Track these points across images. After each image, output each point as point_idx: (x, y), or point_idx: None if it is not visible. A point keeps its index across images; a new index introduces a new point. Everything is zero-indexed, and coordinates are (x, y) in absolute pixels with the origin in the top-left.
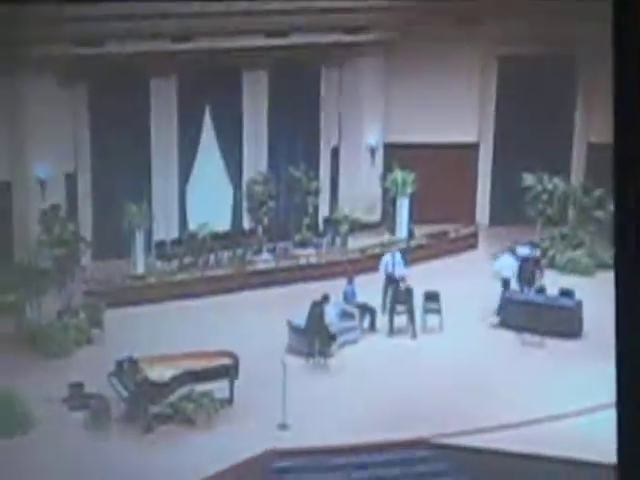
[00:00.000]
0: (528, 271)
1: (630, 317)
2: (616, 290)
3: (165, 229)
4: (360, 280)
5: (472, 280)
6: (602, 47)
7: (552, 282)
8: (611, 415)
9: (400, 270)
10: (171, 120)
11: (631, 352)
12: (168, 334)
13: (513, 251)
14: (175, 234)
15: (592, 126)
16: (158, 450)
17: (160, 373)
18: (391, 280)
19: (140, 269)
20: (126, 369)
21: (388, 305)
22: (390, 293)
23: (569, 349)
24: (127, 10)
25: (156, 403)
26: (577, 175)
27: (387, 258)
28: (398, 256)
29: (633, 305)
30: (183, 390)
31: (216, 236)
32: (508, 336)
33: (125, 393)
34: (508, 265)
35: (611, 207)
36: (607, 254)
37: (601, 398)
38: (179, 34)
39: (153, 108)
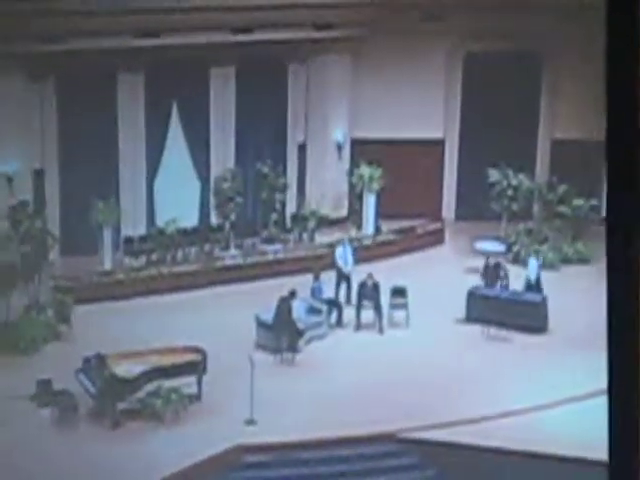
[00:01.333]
0: (492, 267)
1: (622, 314)
2: (608, 288)
3: (133, 225)
4: (327, 276)
5: (439, 275)
6: (566, 44)
7: (517, 277)
8: (576, 408)
9: (349, 265)
10: (138, 116)
11: (623, 349)
12: (136, 330)
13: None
14: (143, 230)
15: (556, 122)
16: (126, 446)
17: (128, 369)
18: (341, 274)
19: (108, 265)
20: (94, 365)
21: (344, 298)
22: (344, 287)
23: (535, 343)
24: (94, 6)
25: (124, 399)
26: (542, 171)
27: (340, 251)
28: (349, 250)
29: (624, 302)
30: (151, 386)
31: (184, 232)
32: (474, 331)
33: (93, 389)
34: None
35: (575, 202)
36: (571, 249)
37: (566, 392)
38: (146, 30)
39: (120, 104)
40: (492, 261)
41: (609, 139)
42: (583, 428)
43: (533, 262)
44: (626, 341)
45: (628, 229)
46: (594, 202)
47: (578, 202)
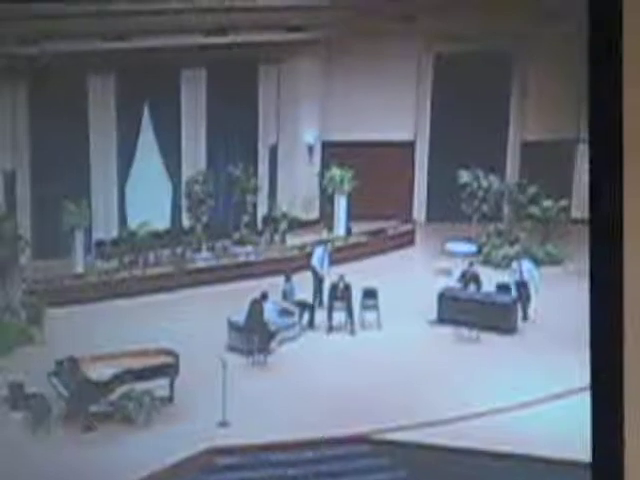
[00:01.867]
0: (468, 270)
1: (602, 312)
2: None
3: (105, 228)
4: (299, 277)
5: (410, 277)
6: (535, 46)
7: (487, 278)
8: (545, 409)
9: (325, 267)
10: (110, 119)
11: (604, 347)
12: (108, 333)
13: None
14: (115, 233)
15: (526, 124)
16: (99, 449)
17: (100, 372)
18: (316, 276)
19: (80, 268)
20: (66, 368)
21: (318, 300)
22: (319, 289)
23: (505, 344)
24: (65, 9)
25: (96, 402)
26: (512, 172)
27: (319, 252)
28: (325, 252)
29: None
30: (123, 389)
31: (155, 235)
32: (445, 332)
33: (65, 392)
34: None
35: (545, 203)
36: (541, 250)
37: (537, 392)
38: (117, 33)
39: (92, 107)
40: (467, 265)
41: (592, 144)
42: (553, 428)
43: (527, 264)
44: (609, 341)
45: (611, 228)
46: (564, 203)
47: (548, 203)
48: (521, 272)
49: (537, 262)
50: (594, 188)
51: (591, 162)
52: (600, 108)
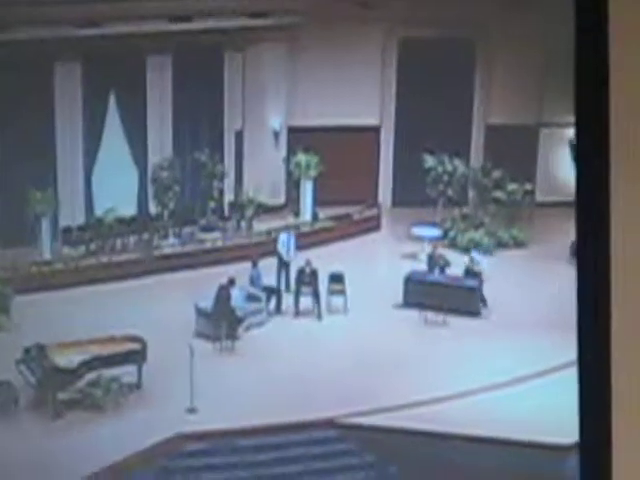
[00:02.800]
0: (435, 253)
1: (591, 302)
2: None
3: (71, 215)
4: (265, 263)
5: (376, 261)
6: (499, 32)
7: (453, 262)
8: (512, 392)
9: (291, 253)
10: (76, 105)
11: (592, 340)
12: (75, 320)
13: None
14: (81, 220)
15: (490, 108)
16: (67, 436)
17: (68, 359)
18: (282, 262)
19: (47, 255)
20: (34, 356)
21: (283, 285)
22: (284, 274)
23: (471, 327)
24: None
25: (64, 389)
26: (476, 156)
27: (284, 238)
28: (292, 238)
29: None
30: (91, 376)
31: (122, 221)
32: (412, 316)
33: (33, 380)
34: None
35: (509, 187)
36: (506, 234)
37: (503, 375)
38: (83, 19)
39: (57, 93)
40: (434, 248)
41: (578, 135)
42: (520, 410)
43: (476, 255)
44: (596, 323)
45: (597, 214)
46: (528, 187)
47: (512, 187)
48: (472, 263)
49: (489, 250)
50: (580, 171)
51: (577, 145)
52: (586, 91)
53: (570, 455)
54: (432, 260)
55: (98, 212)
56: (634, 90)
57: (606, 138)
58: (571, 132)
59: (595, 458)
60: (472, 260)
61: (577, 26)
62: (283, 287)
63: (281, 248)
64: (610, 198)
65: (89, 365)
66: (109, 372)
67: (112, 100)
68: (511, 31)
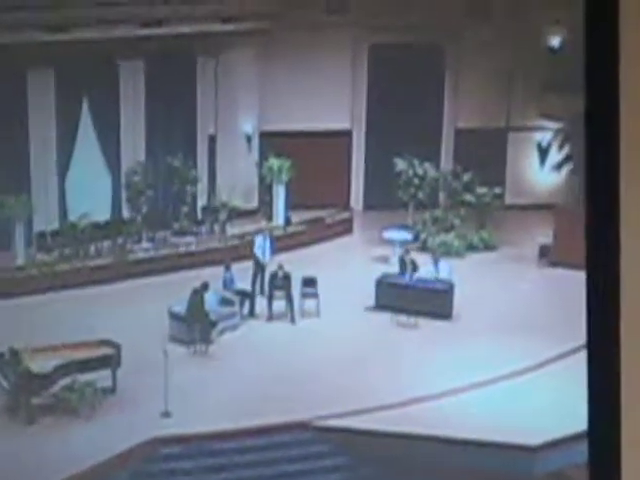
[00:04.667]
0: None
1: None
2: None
3: (45, 220)
4: (239, 267)
5: (348, 264)
6: (467, 37)
7: (424, 265)
8: (483, 393)
9: (267, 256)
10: (49, 111)
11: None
12: (49, 325)
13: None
14: (55, 225)
15: (459, 113)
16: (41, 442)
17: (42, 364)
18: (258, 265)
19: (21, 260)
20: (7, 360)
21: (258, 289)
22: (260, 277)
23: (442, 329)
24: (2, 1)
25: (38, 394)
26: (447, 160)
27: (260, 240)
28: (268, 240)
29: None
30: (65, 380)
31: (96, 226)
32: (383, 318)
33: (6, 385)
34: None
35: (479, 190)
36: (476, 237)
37: (473, 377)
38: (56, 25)
39: (30, 99)
40: (405, 253)
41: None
42: (491, 412)
43: (444, 265)
44: (605, 315)
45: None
46: (497, 190)
47: (482, 190)
48: (437, 271)
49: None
50: (590, 171)
51: (587, 141)
52: (597, 92)
53: (537, 456)
54: (403, 263)
55: (72, 217)
56: None
57: (616, 133)
58: (538, 135)
59: (604, 446)
60: (437, 270)
61: (586, 15)
62: (259, 290)
63: (258, 251)
64: (620, 197)
65: (63, 370)
66: (83, 377)
67: (85, 106)
68: (479, 37)
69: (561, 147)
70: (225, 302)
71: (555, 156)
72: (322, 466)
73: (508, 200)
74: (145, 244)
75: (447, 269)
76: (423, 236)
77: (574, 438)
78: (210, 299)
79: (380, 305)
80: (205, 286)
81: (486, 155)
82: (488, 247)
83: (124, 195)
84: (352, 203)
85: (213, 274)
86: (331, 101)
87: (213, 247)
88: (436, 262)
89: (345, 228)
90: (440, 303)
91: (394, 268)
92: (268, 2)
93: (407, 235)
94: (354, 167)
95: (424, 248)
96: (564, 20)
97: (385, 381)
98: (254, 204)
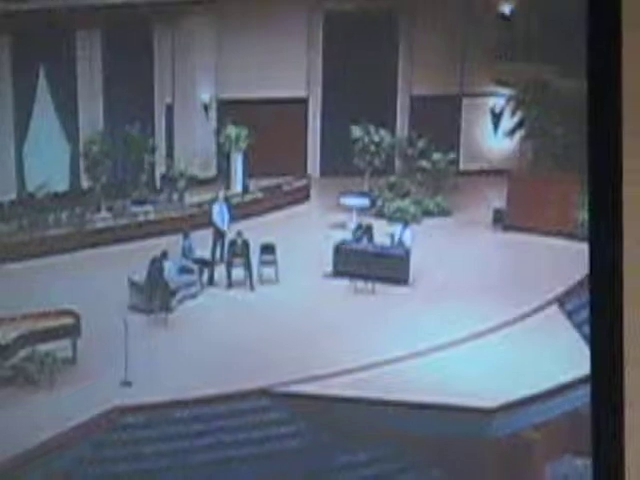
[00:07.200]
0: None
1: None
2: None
3: (3, 190)
4: (197, 235)
5: (306, 231)
6: (420, 3)
7: (381, 230)
8: (440, 357)
9: (225, 224)
10: (5, 80)
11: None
12: (8, 295)
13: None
14: (13, 195)
15: (414, 79)
16: (2, 412)
17: (1, 335)
18: (217, 232)
19: None
20: None
21: (218, 257)
22: (219, 245)
23: (399, 295)
24: None
25: None
26: (402, 126)
27: (217, 208)
28: (225, 208)
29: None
30: (25, 351)
31: (54, 196)
32: (341, 284)
33: None
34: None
35: (434, 157)
36: (432, 202)
37: (430, 341)
38: None
39: None
40: (361, 219)
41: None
42: (448, 375)
43: (401, 229)
44: (608, 289)
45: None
46: (452, 155)
47: (437, 156)
48: (401, 237)
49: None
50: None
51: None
52: (598, 59)
53: (494, 418)
54: (360, 229)
55: (30, 187)
56: None
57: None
58: (492, 102)
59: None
60: (393, 237)
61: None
62: (219, 258)
63: (216, 218)
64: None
65: (22, 341)
66: (43, 347)
67: (42, 75)
68: (432, 3)
69: (513, 113)
70: (184, 270)
71: (508, 122)
72: (281, 432)
73: (462, 166)
74: (104, 213)
75: (409, 236)
76: (379, 202)
77: (531, 400)
78: (169, 268)
79: (338, 271)
80: (164, 255)
81: (440, 121)
82: (443, 212)
83: (82, 164)
84: (309, 170)
85: (172, 243)
86: (287, 69)
87: (172, 216)
88: (404, 227)
89: (303, 195)
90: (397, 268)
91: (351, 234)
92: None
93: (364, 201)
94: (310, 134)
95: (380, 214)
96: None
97: (343, 347)
98: (212, 172)
